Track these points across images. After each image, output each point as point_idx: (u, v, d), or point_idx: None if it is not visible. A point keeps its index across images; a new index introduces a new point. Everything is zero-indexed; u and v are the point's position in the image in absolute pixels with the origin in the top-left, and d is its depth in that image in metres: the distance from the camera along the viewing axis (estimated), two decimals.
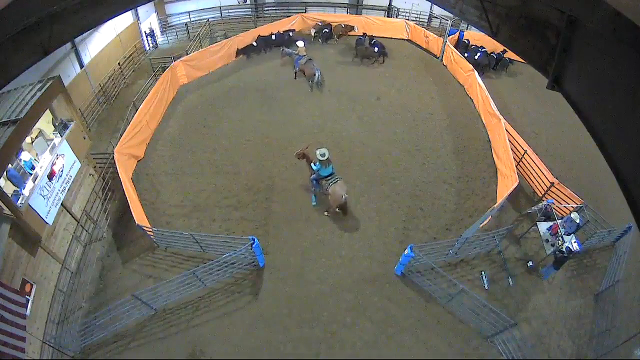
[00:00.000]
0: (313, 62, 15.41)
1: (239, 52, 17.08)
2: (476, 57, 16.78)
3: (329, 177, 9.84)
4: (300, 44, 15.91)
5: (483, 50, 17.73)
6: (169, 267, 9.60)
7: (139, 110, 12.53)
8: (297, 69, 15.75)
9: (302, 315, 8.67)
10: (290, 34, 18.02)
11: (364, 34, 18.05)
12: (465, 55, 17.00)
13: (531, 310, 8.99)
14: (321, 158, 9.46)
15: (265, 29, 17.89)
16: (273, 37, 17.67)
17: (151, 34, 19.21)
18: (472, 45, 18.26)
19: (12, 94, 8.54)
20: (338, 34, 19.08)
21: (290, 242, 10.07)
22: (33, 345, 7.52)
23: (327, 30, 18.84)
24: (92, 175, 11.16)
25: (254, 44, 17.22)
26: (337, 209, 10.36)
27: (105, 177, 11.13)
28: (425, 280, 8.88)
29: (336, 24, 19.11)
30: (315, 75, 15.00)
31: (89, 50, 14.45)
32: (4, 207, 7.47)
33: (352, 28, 18.91)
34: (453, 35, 18.35)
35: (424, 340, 8.34)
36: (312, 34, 18.86)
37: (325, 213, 10.62)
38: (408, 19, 20.30)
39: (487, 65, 16.95)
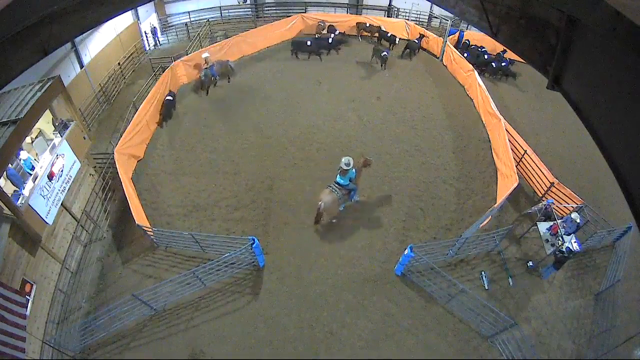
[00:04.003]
0: (224, 60, 15.54)
1: (164, 117, 13.76)
2: (503, 64, 16.50)
3: (341, 187, 9.85)
4: (205, 55, 15.21)
5: (482, 50, 17.75)
6: (169, 267, 9.60)
7: (139, 110, 12.52)
8: (217, 77, 15.43)
9: (302, 315, 8.67)
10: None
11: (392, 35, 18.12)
12: (465, 55, 17.01)
13: (531, 310, 8.99)
14: (344, 167, 9.45)
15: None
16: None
17: (153, 31, 19.21)
18: (472, 45, 18.29)
19: (12, 94, 8.55)
20: (369, 33, 19.18)
21: (290, 242, 10.06)
22: (33, 345, 7.52)
23: (338, 33, 18.72)
24: (92, 175, 11.16)
25: (170, 98, 14.14)
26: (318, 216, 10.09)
27: (105, 177, 11.12)
28: (425, 280, 8.88)
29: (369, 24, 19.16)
30: (230, 67, 15.33)
31: (89, 50, 14.45)
32: (4, 207, 7.47)
33: (378, 29, 18.83)
34: (453, 35, 18.38)
35: (424, 340, 8.34)
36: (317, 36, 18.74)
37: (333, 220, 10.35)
38: (408, 19, 20.31)
39: (515, 74, 16.42)
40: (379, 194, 11.34)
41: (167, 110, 13.83)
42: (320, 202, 9.61)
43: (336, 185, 9.83)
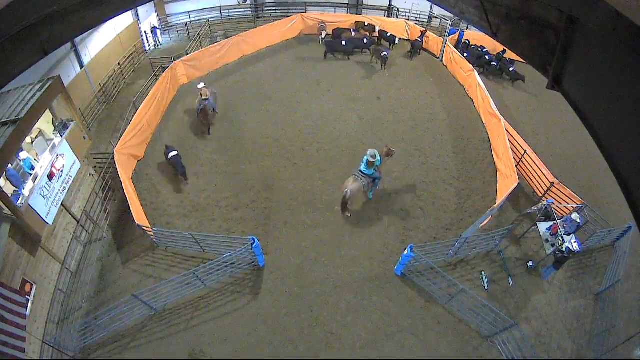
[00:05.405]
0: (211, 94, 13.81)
1: (182, 175, 11.55)
2: (511, 69, 16.48)
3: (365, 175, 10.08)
4: (200, 85, 13.56)
5: (483, 50, 17.75)
6: (169, 267, 9.60)
7: (139, 110, 12.52)
8: (216, 110, 13.80)
9: (302, 315, 8.67)
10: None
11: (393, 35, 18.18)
12: (465, 55, 17.01)
13: (531, 310, 8.99)
14: (371, 159, 9.63)
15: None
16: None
17: (153, 31, 19.21)
18: (472, 45, 18.30)
19: (12, 94, 8.54)
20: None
21: (290, 242, 10.07)
22: (33, 345, 7.52)
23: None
24: (92, 175, 11.16)
25: (175, 152, 11.81)
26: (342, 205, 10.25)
27: (105, 177, 11.12)
28: (425, 280, 8.88)
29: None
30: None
31: (89, 50, 14.46)
32: (4, 207, 7.47)
33: (373, 28, 18.97)
34: (453, 35, 18.38)
35: (423, 340, 8.34)
36: (322, 37, 18.70)
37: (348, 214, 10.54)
38: (408, 19, 20.32)
39: (524, 77, 16.21)
40: (379, 193, 11.33)
41: (180, 166, 11.48)
42: (346, 190, 9.66)
43: (361, 173, 9.95)
